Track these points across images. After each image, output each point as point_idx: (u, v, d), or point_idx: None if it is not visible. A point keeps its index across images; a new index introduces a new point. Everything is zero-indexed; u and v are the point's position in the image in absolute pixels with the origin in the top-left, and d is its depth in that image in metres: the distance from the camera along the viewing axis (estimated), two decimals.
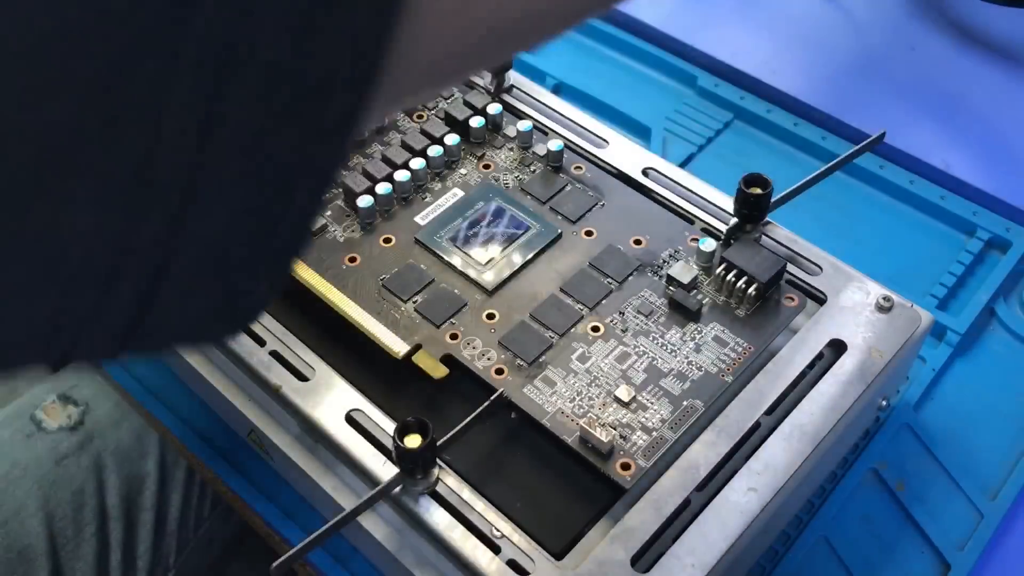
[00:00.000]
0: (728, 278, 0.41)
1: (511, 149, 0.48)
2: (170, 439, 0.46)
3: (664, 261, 0.43)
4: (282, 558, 0.34)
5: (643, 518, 0.35)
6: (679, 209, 0.46)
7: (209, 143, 0.14)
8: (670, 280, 0.42)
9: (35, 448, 0.56)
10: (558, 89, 0.61)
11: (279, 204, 0.16)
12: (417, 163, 0.46)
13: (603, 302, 0.42)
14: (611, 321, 0.41)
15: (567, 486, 0.37)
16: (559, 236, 0.44)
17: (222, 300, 0.17)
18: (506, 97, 0.51)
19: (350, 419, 0.38)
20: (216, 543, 0.59)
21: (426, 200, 0.46)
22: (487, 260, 0.43)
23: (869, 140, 0.46)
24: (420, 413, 0.35)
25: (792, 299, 0.42)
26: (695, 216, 0.45)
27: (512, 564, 0.35)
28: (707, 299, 0.42)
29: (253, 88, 0.14)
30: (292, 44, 0.14)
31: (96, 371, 0.54)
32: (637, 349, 0.40)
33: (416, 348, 0.40)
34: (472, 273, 0.43)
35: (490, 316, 0.41)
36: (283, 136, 0.15)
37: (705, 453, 0.37)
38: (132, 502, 0.55)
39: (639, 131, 0.58)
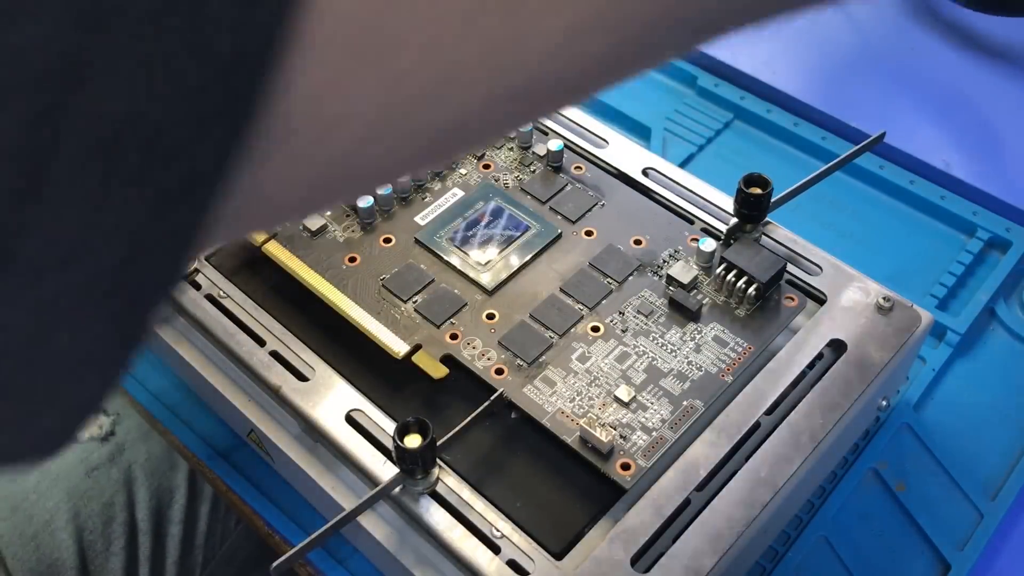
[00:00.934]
0: (728, 278, 0.41)
1: (511, 149, 0.48)
2: (170, 440, 0.46)
3: (664, 261, 0.43)
4: (282, 558, 0.34)
5: (643, 518, 0.35)
6: (679, 209, 0.46)
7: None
8: (670, 280, 0.42)
9: (66, 458, 0.55)
10: None
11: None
12: None
13: (603, 302, 0.42)
14: (611, 321, 0.41)
15: (567, 486, 0.37)
16: (559, 236, 0.44)
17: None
18: None
19: (350, 419, 0.38)
20: (241, 556, 0.59)
21: (426, 200, 0.46)
22: (487, 260, 0.43)
23: (869, 140, 0.46)
24: (420, 413, 0.35)
25: (792, 299, 0.42)
26: (695, 216, 0.45)
27: (512, 564, 0.35)
28: (707, 299, 0.42)
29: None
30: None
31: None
32: (637, 349, 0.40)
33: (416, 348, 0.40)
34: (472, 273, 0.43)
35: (490, 316, 0.41)
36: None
37: (705, 453, 0.37)
38: (161, 516, 0.55)
39: (639, 131, 0.58)
